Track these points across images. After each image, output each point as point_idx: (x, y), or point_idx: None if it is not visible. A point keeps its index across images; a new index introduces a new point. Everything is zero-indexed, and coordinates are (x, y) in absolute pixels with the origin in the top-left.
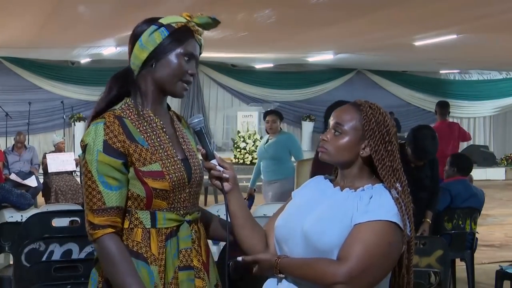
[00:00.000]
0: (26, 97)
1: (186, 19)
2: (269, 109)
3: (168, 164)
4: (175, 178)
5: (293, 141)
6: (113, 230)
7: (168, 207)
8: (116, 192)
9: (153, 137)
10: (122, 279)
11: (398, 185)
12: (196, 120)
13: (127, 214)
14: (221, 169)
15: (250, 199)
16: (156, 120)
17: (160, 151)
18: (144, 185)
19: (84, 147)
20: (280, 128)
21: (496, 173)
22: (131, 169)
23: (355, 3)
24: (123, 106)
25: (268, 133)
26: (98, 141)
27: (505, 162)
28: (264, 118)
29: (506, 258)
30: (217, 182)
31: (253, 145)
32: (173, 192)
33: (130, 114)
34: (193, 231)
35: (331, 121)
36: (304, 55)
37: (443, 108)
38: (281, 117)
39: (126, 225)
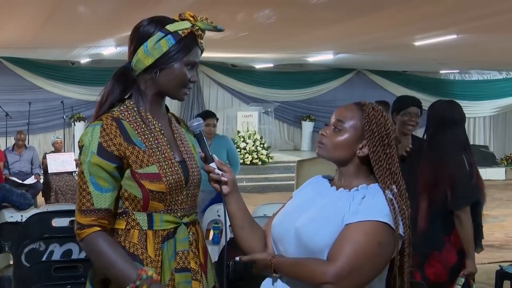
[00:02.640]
0: (26, 97)
1: (190, 21)
2: (204, 111)
3: (165, 166)
4: (172, 180)
5: (230, 141)
6: (99, 229)
7: (165, 209)
8: (106, 194)
9: (151, 139)
10: (116, 269)
11: (394, 187)
12: (196, 124)
13: (124, 215)
14: (220, 172)
15: None
16: (155, 122)
17: (158, 153)
18: (141, 187)
19: (80, 147)
20: None
21: (496, 173)
22: (128, 171)
23: (355, 3)
24: (121, 108)
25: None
26: (94, 143)
27: (505, 162)
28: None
29: (506, 258)
30: (216, 185)
31: (253, 145)
32: (170, 194)
33: (128, 116)
34: (191, 233)
35: (332, 118)
36: (304, 55)
37: (385, 107)
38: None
39: (123, 226)
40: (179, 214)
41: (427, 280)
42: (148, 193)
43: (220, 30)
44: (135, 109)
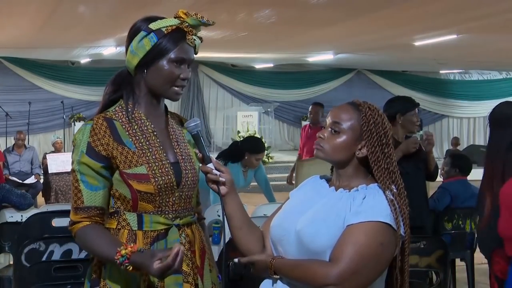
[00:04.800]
0: (26, 97)
1: (180, 18)
2: (257, 143)
3: (154, 167)
4: (161, 182)
5: (262, 167)
6: (88, 223)
7: (155, 210)
8: (97, 192)
9: (142, 140)
10: (98, 252)
11: (393, 187)
12: (193, 124)
13: (115, 215)
14: (218, 173)
15: None
16: (147, 123)
17: (148, 154)
18: (129, 187)
19: (74, 146)
20: None
21: None
22: (117, 171)
23: (355, 3)
24: (116, 109)
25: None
26: (83, 143)
27: None
28: (251, 152)
29: None
30: (214, 186)
31: None
32: (159, 195)
33: (122, 116)
34: (183, 235)
35: (329, 119)
36: (304, 55)
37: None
38: None
39: (114, 226)
40: (170, 216)
41: (497, 278)
42: (137, 193)
43: (207, 24)
44: (129, 109)
